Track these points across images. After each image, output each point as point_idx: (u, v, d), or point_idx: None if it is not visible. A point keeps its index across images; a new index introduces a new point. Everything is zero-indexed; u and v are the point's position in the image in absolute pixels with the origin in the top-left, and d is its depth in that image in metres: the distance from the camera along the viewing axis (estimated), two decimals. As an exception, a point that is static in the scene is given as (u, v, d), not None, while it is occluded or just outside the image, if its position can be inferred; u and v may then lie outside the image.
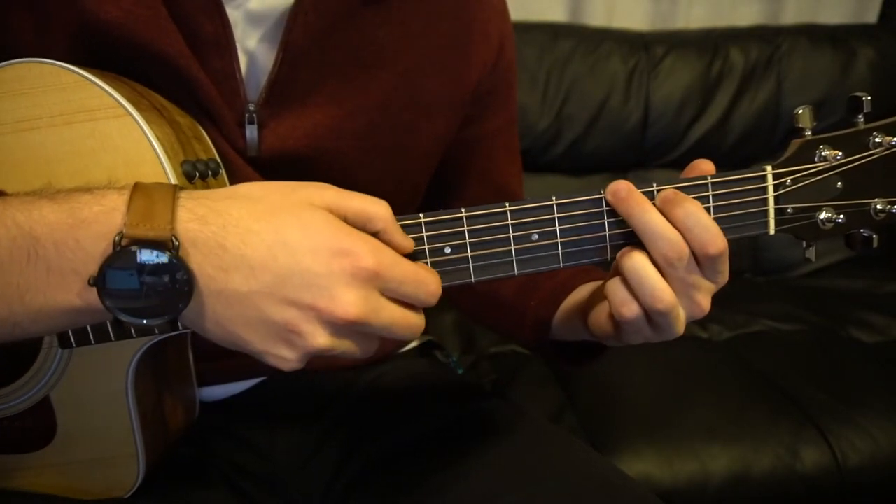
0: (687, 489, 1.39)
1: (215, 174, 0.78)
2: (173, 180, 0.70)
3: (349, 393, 1.00)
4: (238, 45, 0.81)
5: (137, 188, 0.58)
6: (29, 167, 0.71)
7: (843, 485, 1.42)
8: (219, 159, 0.80)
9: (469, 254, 0.70)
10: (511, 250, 0.71)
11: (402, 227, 0.68)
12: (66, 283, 0.57)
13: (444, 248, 0.69)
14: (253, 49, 0.82)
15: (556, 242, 0.71)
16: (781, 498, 1.41)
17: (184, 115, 0.79)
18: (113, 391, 0.75)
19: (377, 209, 0.63)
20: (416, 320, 0.63)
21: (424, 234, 0.68)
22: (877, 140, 0.72)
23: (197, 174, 0.73)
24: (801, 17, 2.42)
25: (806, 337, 1.84)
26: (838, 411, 1.51)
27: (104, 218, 0.57)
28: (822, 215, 0.73)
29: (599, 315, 0.77)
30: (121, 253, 0.56)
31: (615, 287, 0.71)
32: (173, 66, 0.77)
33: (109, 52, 0.76)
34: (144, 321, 0.58)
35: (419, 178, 0.97)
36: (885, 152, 0.72)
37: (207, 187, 0.76)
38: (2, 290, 0.57)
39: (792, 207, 0.73)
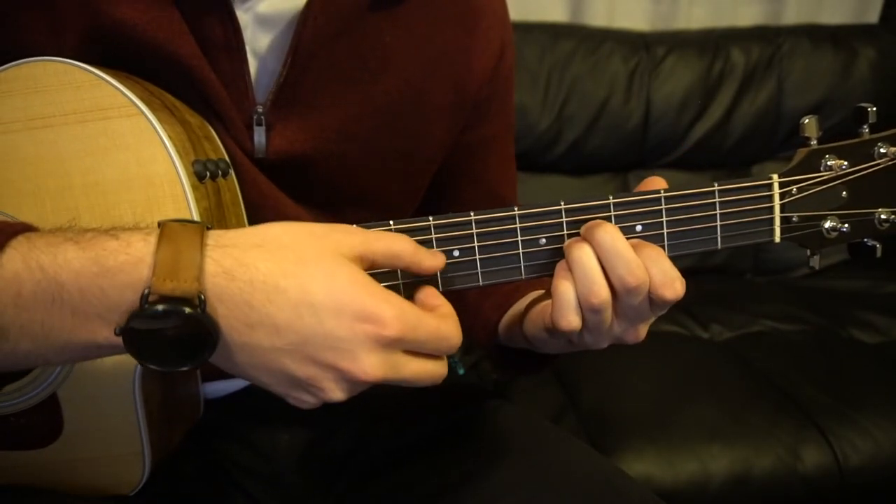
0: (687, 489, 1.40)
1: (225, 174, 0.78)
2: (185, 179, 0.70)
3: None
4: (248, 48, 0.81)
5: (164, 235, 0.57)
6: (41, 165, 0.71)
7: (843, 485, 1.43)
8: (228, 160, 0.80)
9: (477, 257, 0.71)
10: (519, 254, 0.71)
11: (412, 229, 0.69)
12: (91, 326, 0.57)
13: (452, 251, 0.70)
14: (262, 52, 0.82)
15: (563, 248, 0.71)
16: (782, 498, 1.42)
17: (194, 115, 0.79)
18: (120, 389, 0.75)
19: (402, 246, 0.64)
20: (438, 370, 0.63)
21: (433, 236, 0.69)
22: (881, 150, 0.72)
23: (207, 174, 0.73)
24: (801, 17, 2.42)
25: (807, 337, 1.84)
26: (839, 412, 1.51)
27: (130, 268, 0.57)
28: (827, 224, 0.74)
29: (536, 316, 0.79)
30: (148, 308, 0.56)
31: (558, 268, 0.72)
32: (185, 67, 0.77)
33: (122, 52, 0.76)
34: (168, 367, 0.59)
35: (421, 181, 0.98)
36: (889, 162, 0.72)
37: (217, 187, 0.76)
38: (27, 326, 0.57)
39: (797, 216, 0.73)
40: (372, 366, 0.58)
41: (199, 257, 0.57)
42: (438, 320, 0.63)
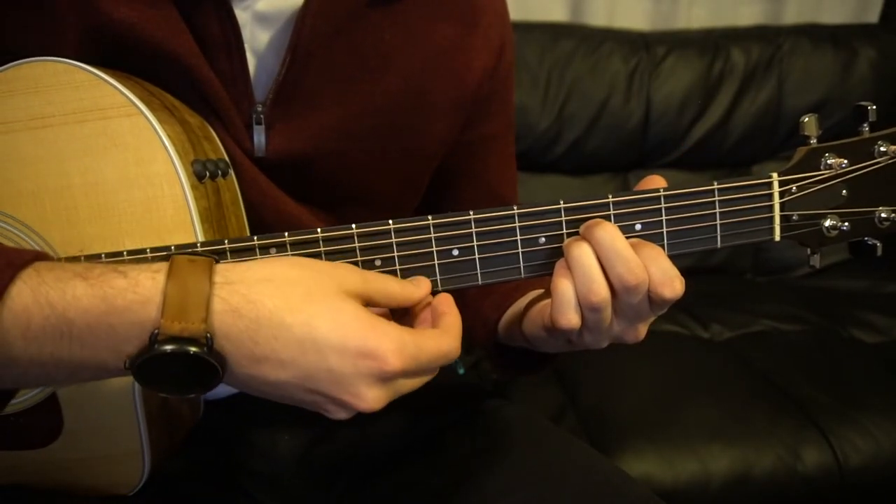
0: (688, 489, 1.40)
1: (224, 174, 0.78)
2: (184, 179, 0.70)
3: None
4: (247, 47, 0.81)
5: (172, 274, 0.58)
6: (41, 164, 0.72)
7: (844, 485, 1.43)
8: (227, 159, 0.80)
9: (476, 256, 0.71)
10: (518, 253, 0.71)
11: (411, 228, 0.69)
12: (100, 357, 0.58)
13: (451, 250, 0.70)
14: (262, 50, 0.82)
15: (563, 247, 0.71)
16: (782, 498, 1.42)
17: (194, 114, 0.79)
18: (120, 389, 0.75)
19: (393, 287, 0.67)
20: (430, 377, 0.65)
21: (433, 235, 0.69)
22: (881, 149, 0.72)
23: (207, 174, 0.73)
24: (802, 16, 2.42)
25: (807, 337, 1.84)
26: (839, 412, 1.51)
27: (138, 308, 0.57)
28: (828, 223, 0.74)
29: (536, 315, 0.80)
30: (156, 348, 0.57)
31: (557, 267, 0.72)
32: (184, 66, 0.77)
33: (121, 51, 0.76)
34: (176, 395, 0.62)
35: (421, 180, 0.98)
36: (889, 161, 0.72)
37: (217, 187, 0.76)
38: (36, 358, 0.58)
39: (797, 214, 0.73)
40: (374, 399, 0.60)
41: (206, 296, 0.58)
42: (439, 340, 0.64)
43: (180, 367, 0.57)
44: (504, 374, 0.95)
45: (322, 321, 0.59)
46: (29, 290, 0.57)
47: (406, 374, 0.61)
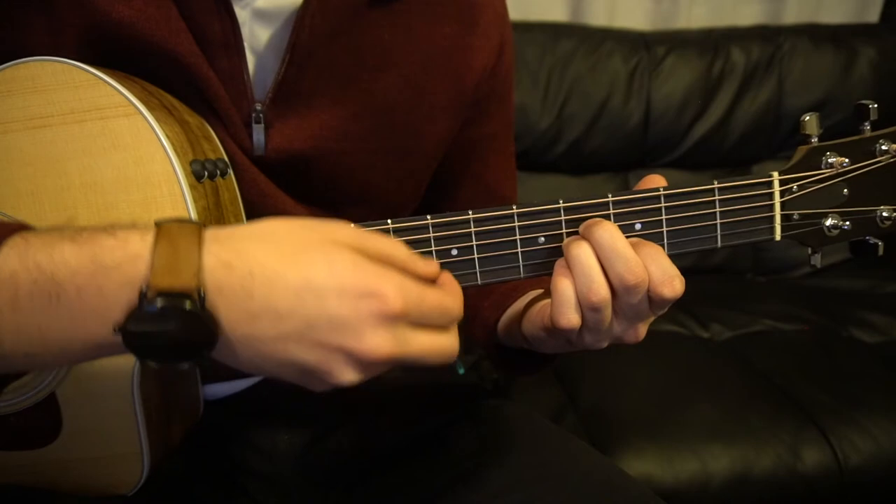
0: (688, 489, 1.40)
1: (223, 174, 0.78)
2: (182, 179, 0.70)
3: (350, 392, 1.00)
4: (246, 46, 0.81)
5: (161, 233, 0.57)
6: (40, 164, 0.71)
7: (844, 485, 1.43)
8: (227, 159, 0.80)
9: (475, 256, 0.71)
10: (517, 253, 0.71)
11: (410, 228, 0.69)
12: (88, 325, 0.56)
13: (450, 249, 0.70)
14: (261, 49, 0.82)
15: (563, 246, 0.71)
16: (782, 498, 1.42)
17: (193, 114, 0.79)
18: (119, 389, 0.75)
19: (394, 247, 0.62)
20: (448, 344, 0.62)
21: (431, 235, 0.69)
22: (883, 147, 0.72)
23: (206, 174, 0.73)
24: (802, 16, 2.42)
25: (807, 337, 1.84)
26: (839, 411, 1.51)
27: (127, 266, 0.56)
28: (828, 222, 0.73)
29: (535, 315, 0.79)
30: (146, 305, 0.55)
31: (557, 267, 0.71)
32: (183, 65, 0.77)
33: (120, 51, 0.76)
34: (168, 364, 0.58)
35: (421, 179, 0.98)
36: (890, 160, 0.72)
37: (216, 187, 0.76)
38: (24, 329, 0.57)
39: (798, 213, 0.73)
40: (379, 343, 0.57)
41: (197, 252, 0.56)
42: (441, 293, 0.62)
43: (172, 329, 0.55)
44: (504, 374, 0.95)
45: (317, 268, 0.57)
46: (16, 255, 0.56)
47: (409, 318, 0.58)
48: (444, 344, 0.61)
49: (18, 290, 0.56)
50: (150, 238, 0.56)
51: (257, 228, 0.60)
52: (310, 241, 0.59)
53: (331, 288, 0.56)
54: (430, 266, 0.64)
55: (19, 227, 0.59)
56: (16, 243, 0.57)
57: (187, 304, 0.55)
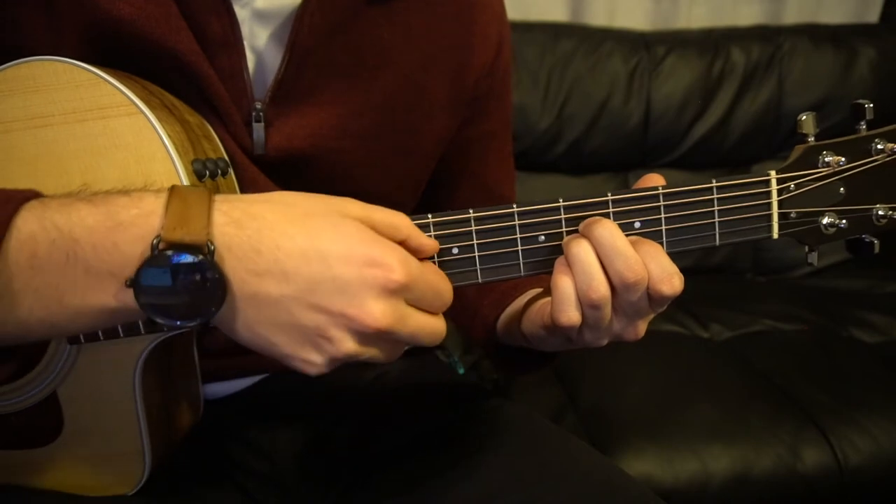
0: (688, 489, 1.40)
1: (224, 173, 0.78)
2: (184, 179, 0.70)
3: (350, 392, 1.01)
4: (246, 44, 0.81)
5: (174, 192, 0.59)
6: (41, 164, 0.71)
7: (844, 485, 1.43)
8: (227, 158, 0.80)
9: (476, 254, 0.71)
10: (518, 251, 0.71)
11: None
12: (103, 284, 0.58)
13: (451, 248, 0.70)
14: (261, 48, 0.83)
15: (563, 244, 0.71)
16: (782, 498, 1.42)
17: (193, 113, 0.79)
18: (120, 388, 0.75)
19: (400, 219, 0.65)
20: (439, 326, 0.64)
21: (433, 234, 0.69)
22: (879, 147, 0.72)
23: (207, 173, 0.73)
24: (802, 16, 2.42)
25: (807, 337, 1.84)
26: (839, 411, 1.51)
27: (142, 221, 0.58)
28: (825, 220, 0.74)
29: (535, 314, 0.80)
30: (158, 256, 0.57)
31: (557, 264, 0.72)
32: (183, 64, 0.78)
33: (121, 49, 0.76)
34: (178, 322, 0.59)
35: (420, 178, 0.98)
36: (886, 159, 0.72)
37: (217, 186, 0.76)
38: (41, 290, 0.58)
39: (795, 212, 0.73)
40: (379, 312, 0.59)
41: (207, 209, 0.58)
42: (438, 274, 0.65)
43: (181, 285, 0.57)
44: (504, 373, 0.95)
45: (325, 233, 0.59)
46: (34, 217, 0.58)
47: (409, 291, 0.60)
48: (435, 326, 0.64)
49: (37, 249, 0.57)
50: (163, 197, 0.59)
51: (268, 195, 0.62)
52: (318, 209, 0.61)
53: (337, 253, 0.59)
54: (432, 240, 0.67)
55: (34, 194, 0.60)
56: (33, 206, 0.59)
57: (198, 255, 0.57)
